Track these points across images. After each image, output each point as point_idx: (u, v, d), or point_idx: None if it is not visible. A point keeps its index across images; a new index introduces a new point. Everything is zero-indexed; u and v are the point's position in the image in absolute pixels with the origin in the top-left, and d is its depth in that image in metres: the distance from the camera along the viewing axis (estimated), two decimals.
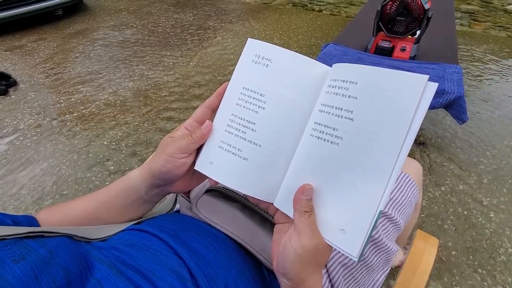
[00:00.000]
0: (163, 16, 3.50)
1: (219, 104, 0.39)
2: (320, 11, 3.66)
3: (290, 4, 3.91)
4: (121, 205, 0.42)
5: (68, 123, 1.84)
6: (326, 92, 0.34)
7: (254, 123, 0.36)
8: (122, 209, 0.42)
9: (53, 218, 0.39)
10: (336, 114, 0.32)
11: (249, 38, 0.39)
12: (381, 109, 0.29)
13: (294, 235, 0.31)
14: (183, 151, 0.37)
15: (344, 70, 0.33)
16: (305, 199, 0.31)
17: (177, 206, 0.56)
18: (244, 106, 0.37)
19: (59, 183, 1.46)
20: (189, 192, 0.54)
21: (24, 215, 0.38)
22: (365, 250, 0.29)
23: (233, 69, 0.38)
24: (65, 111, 1.95)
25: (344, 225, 0.30)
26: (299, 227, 0.31)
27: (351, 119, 0.31)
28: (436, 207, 1.27)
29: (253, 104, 0.36)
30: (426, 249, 0.55)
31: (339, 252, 0.51)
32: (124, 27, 3.21)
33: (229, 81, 0.39)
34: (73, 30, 3.13)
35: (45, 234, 0.32)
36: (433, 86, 0.27)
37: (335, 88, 0.33)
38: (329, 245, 0.31)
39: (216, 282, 0.34)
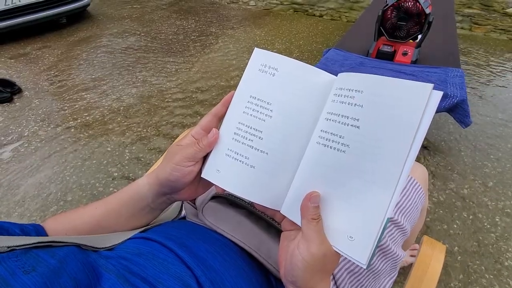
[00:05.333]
0: (165, 23, 3.53)
1: (225, 112, 0.39)
2: (321, 16, 3.68)
3: (291, 10, 3.94)
4: (128, 213, 0.42)
5: (72, 130, 1.86)
6: (332, 101, 0.34)
7: (261, 131, 0.36)
8: (129, 216, 0.43)
9: (61, 226, 0.39)
10: (342, 122, 0.32)
11: (255, 48, 0.39)
12: (387, 117, 0.30)
13: (302, 243, 0.31)
14: (190, 159, 0.37)
15: (350, 79, 0.33)
16: (313, 206, 0.31)
17: (183, 213, 0.56)
18: (251, 114, 0.37)
19: (63, 189, 1.47)
20: (195, 198, 0.54)
21: (32, 223, 0.38)
22: (373, 257, 0.29)
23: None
24: (69, 118, 1.97)
25: (352, 232, 0.30)
26: (307, 235, 0.31)
27: (357, 127, 0.31)
28: (441, 212, 1.27)
29: (260, 112, 0.37)
30: (434, 256, 0.54)
31: (346, 258, 0.51)
32: (127, 34, 3.24)
33: (235, 89, 0.39)
34: (77, 38, 3.17)
35: (53, 244, 0.32)
36: (438, 95, 0.28)
37: (341, 96, 0.33)
38: (337, 252, 0.31)
39: None
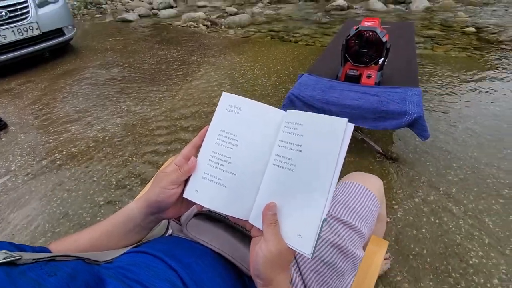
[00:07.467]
0: (148, 53, 3.68)
1: (201, 143, 0.49)
2: (296, 42, 3.93)
3: (268, 37, 4.19)
4: (120, 234, 0.50)
5: (58, 162, 1.90)
6: (282, 131, 0.45)
7: (230, 157, 0.46)
8: (122, 236, 0.51)
9: (67, 246, 0.47)
10: (289, 148, 0.43)
11: (223, 92, 0.50)
12: (319, 143, 0.40)
13: (263, 243, 0.40)
14: (174, 183, 0.46)
15: (294, 115, 0.44)
16: (270, 214, 0.41)
17: (170, 231, 0.64)
18: (221, 145, 0.47)
19: (50, 221, 1.49)
20: (179, 217, 0.63)
21: (39, 246, 0.46)
22: (315, 249, 0.38)
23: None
24: (55, 150, 2.01)
25: (300, 231, 0.40)
26: (266, 236, 0.40)
27: (300, 151, 0.42)
28: (410, 218, 1.38)
29: (229, 142, 0.47)
30: (378, 251, 0.64)
31: (312, 260, 0.60)
32: (110, 65, 3.34)
33: (209, 124, 0.49)
34: (60, 71, 3.24)
35: (64, 258, 0.40)
36: (351, 126, 0.39)
37: (288, 128, 0.44)
38: (291, 249, 0.40)
39: None
